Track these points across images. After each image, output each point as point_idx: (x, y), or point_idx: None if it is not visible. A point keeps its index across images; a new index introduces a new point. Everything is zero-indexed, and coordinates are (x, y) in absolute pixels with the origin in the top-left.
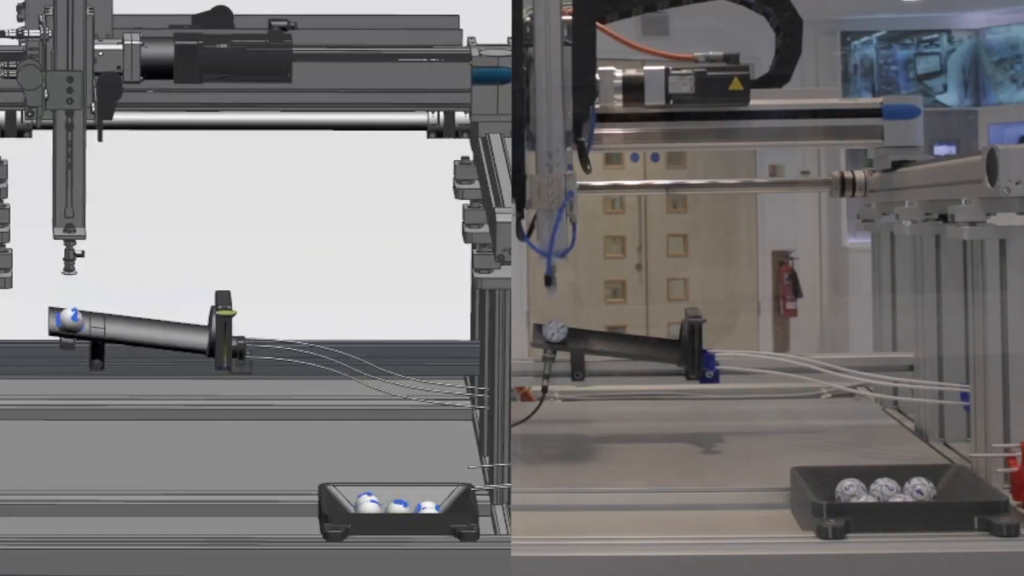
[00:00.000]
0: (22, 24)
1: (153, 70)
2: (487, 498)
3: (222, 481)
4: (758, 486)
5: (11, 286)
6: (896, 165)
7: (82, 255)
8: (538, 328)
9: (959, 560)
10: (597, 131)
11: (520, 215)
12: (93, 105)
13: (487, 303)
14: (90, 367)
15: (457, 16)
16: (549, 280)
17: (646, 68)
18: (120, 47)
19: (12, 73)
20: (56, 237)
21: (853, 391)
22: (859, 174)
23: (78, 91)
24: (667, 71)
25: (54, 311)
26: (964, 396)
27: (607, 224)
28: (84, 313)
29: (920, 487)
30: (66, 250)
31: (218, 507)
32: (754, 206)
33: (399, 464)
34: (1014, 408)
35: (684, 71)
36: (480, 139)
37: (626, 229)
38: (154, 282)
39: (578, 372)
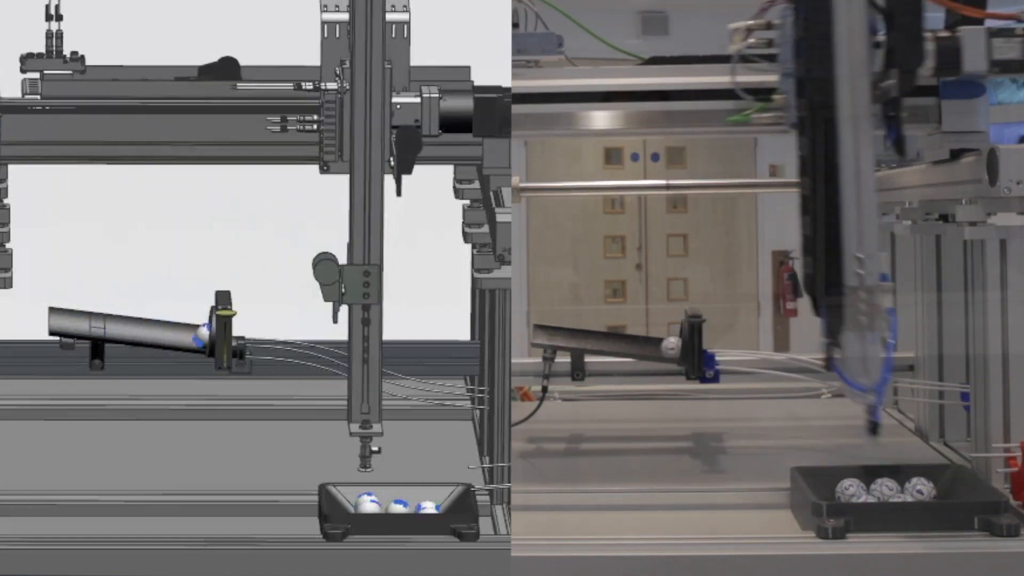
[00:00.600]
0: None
1: (451, 123)
2: (487, 498)
3: (222, 481)
4: (758, 486)
5: (11, 286)
6: (955, 155)
7: (378, 451)
8: (538, 328)
9: (959, 560)
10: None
11: (832, 342)
12: (392, 160)
13: (487, 303)
14: (90, 367)
15: (468, 68)
16: (875, 428)
17: (963, 29)
18: (418, 100)
19: (307, 127)
20: (352, 434)
21: None
22: None
23: (375, 286)
24: (989, 31)
25: (55, 311)
26: (964, 396)
27: (607, 224)
28: (84, 313)
29: (920, 487)
30: (362, 447)
31: (218, 507)
32: (754, 206)
33: (399, 464)
34: (1014, 408)
35: (1017, 31)
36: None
37: (626, 229)
38: (154, 282)
39: (578, 372)
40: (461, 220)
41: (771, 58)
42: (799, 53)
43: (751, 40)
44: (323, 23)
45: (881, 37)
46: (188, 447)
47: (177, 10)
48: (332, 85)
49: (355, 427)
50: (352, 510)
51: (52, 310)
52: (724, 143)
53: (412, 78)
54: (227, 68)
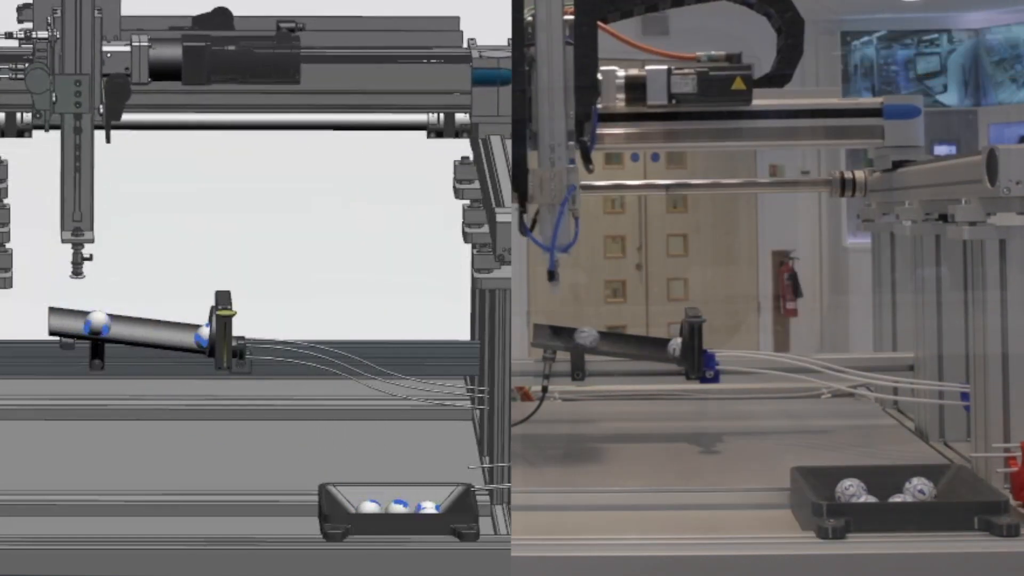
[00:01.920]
0: (28, 25)
1: (161, 72)
2: (487, 498)
3: (222, 481)
4: (758, 486)
5: (11, 286)
6: (896, 165)
7: (90, 258)
8: (538, 328)
9: (959, 560)
10: (599, 131)
11: (522, 210)
12: (101, 107)
13: (487, 303)
14: (90, 367)
15: (457, 18)
16: (552, 275)
17: (648, 68)
18: (128, 48)
19: (18, 75)
20: (64, 240)
21: (853, 391)
22: (859, 174)
23: (86, 94)
24: (670, 71)
25: (55, 311)
26: (964, 396)
27: (607, 224)
28: (84, 313)
29: (921, 487)
30: (74, 253)
31: (218, 507)
32: (754, 206)
33: (399, 464)
34: (1014, 408)
35: (686, 70)
36: (480, 140)
37: (626, 229)
38: (154, 282)
39: (578, 372)
40: (461, 220)
41: None
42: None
43: None
44: None
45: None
46: (188, 447)
47: None
48: (43, 34)
49: (67, 235)
50: (352, 510)
51: (52, 310)
52: None
53: (400, 28)
54: (221, 18)
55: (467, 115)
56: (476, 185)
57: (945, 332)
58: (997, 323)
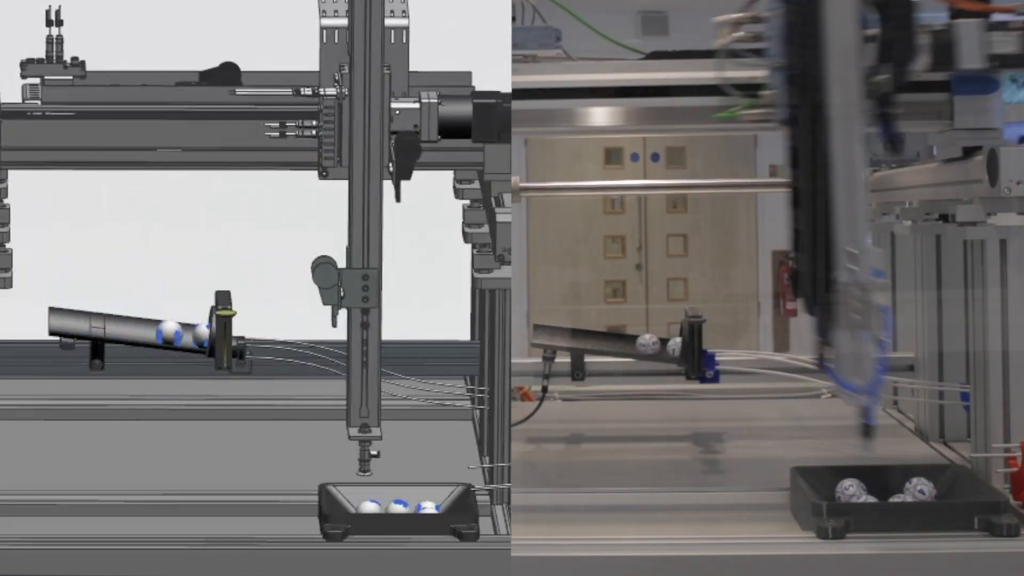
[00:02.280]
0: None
1: (450, 129)
2: (487, 498)
3: (222, 481)
4: (758, 486)
5: (11, 286)
6: (968, 153)
7: (377, 455)
8: (538, 328)
9: (959, 560)
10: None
11: (825, 342)
12: (391, 165)
13: (487, 303)
14: (90, 367)
15: (469, 73)
16: (869, 430)
17: (959, 22)
18: (417, 106)
19: (307, 132)
20: (351, 438)
21: None
22: None
23: (373, 290)
24: (986, 26)
25: (55, 311)
26: (964, 396)
27: (607, 224)
28: (84, 313)
29: (921, 487)
30: (361, 451)
31: (218, 507)
32: (754, 206)
33: (399, 464)
34: (1014, 408)
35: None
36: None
37: (626, 229)
38: (154, 282)
39: (578, 372)
40: (461, 220)
41: (759, 52)
42: (789, 47)
43: (739, 34)
44: (322, 28)
45: (874, 31)
46: (188, 447)
47: (176, 15)
48: (331, 91)
49: (354, 431)
50: (352, 510)
51: (52, 310)
52: (724, 143)
53: (412, 83)
54: (228, 73)
55: None
56: (476, 185)
57: (945, 332)
58: (997, 323)
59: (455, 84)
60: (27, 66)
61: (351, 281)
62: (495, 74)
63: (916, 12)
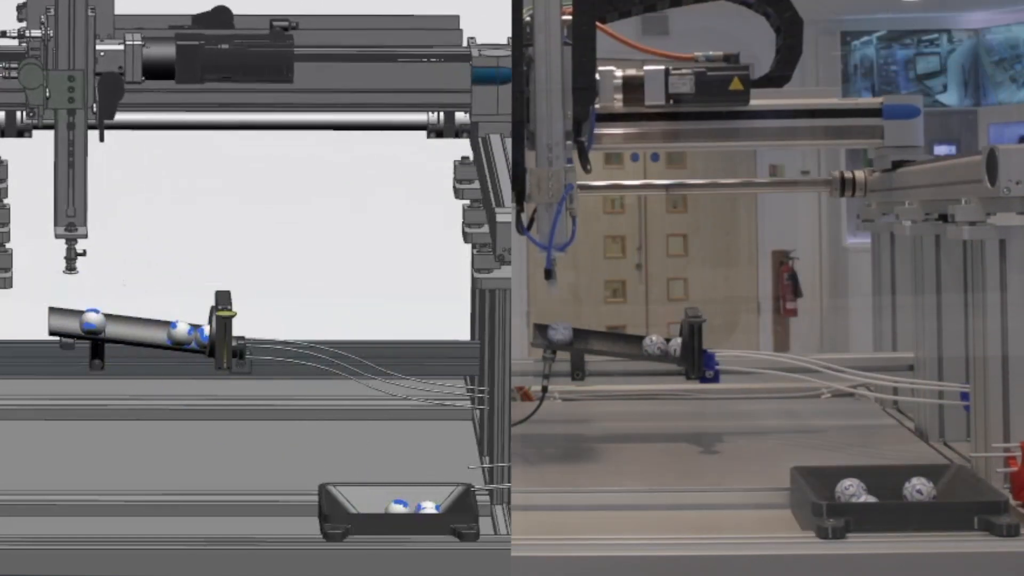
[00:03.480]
0: (23, 24)
1: (155, 70)
2: (487, 498)
3: (222, 481)
4: (758, 486)
5: (11, 286)
6: (896, 165)
7: (83, 254)
8: (538, 328)
9: (959, 560)
10: (597, 131)
11: (520, 209)
12: (95, 106)
13: (487, 303)
14: (90, 367)
15: (457, 16)
16: (549, 274)
17: (646, 68)
18: (121, 47)
19: (13, 73)
20: (58, 236)
21: (853, 391)
22: (859, 174)
23: (80, 90)
24: (667, 71)
25: (55, 311)
26: (964, 396)
27: (607, 224)
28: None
29: (920, 487)
30: (68, 249)
31: (218, 507)
32: (754, 206)
33: (399, 464)
34: (1014, 408)
35: (684, 71)
36: (480, 139)
37: (626, 229)
38: (154, 282)
39: (578, 372)
40: (461, 220)
41: None
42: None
43: None
44: None
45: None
46: (188, 447)
47: None
48: (37, 32)
49: (60, 230)
50: (353, 510)
51: (52, 310)
52: None
53: (398, 26)
54: (221, 16)
55: (467, 114)
56: (476, 185)
57: (945, 332)
58: (997, 323)
59: (442, 28)
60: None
61: (57, 82)
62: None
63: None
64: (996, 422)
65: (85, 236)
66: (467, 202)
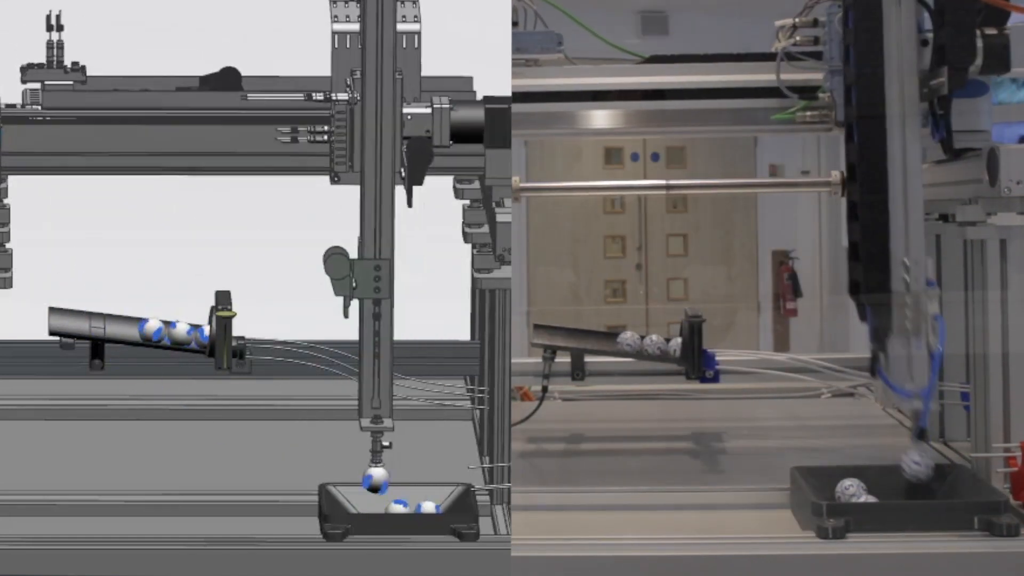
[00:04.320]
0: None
1: (462, 134)
2: (487, 498)
3: (222, 481)
4: (758, 486)
5: (11, 286)
6: (958, 154)
7: (389, 446)
8: (538, 328)
9: (959, 560)
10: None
11: (880, 349)
12: (403, 171)
13: (487, 303)
14: (90, 367)
15: (471, 78)
16: (923, 434)
17: (1013, 26)
18: (429, 111)
19: (319, 137)
20: (363, 429)
21: (853, 391)
22: None
23: (385, 279)
24: None
25: (55, 311)
26: (964, 396)
27: (607, 224)
28: (84, 313)
29: (916, 459)
30: (373, 442)
31: (218, 507)
32: (754, 206)
33: (399, 464)
34: (1014, 408)
35: None
36: None
37: (626, 229)
38: (154, 282)
39: (578, 372)
40: (461, 220)
41: (817, 56)
42: (847, 52)
43: (796, 38)
44: (334, 34)
45: (929, 35)
46: (188, 447)
47: (180, 20)
48: (343, 96)
49: (366, 422)
50: (353, 510)
51: (52, 310)
52: (724, 143)
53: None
54: (228, 78)
55: None
56: (476, 185)
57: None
58: (997, 323)
59: (456, 89)
60: (28, 71)
61: (364, 272)
62: (495, 76)
63: (975, 15)
64: (996, 422)
65: (391, 429)
66: (467, 202)
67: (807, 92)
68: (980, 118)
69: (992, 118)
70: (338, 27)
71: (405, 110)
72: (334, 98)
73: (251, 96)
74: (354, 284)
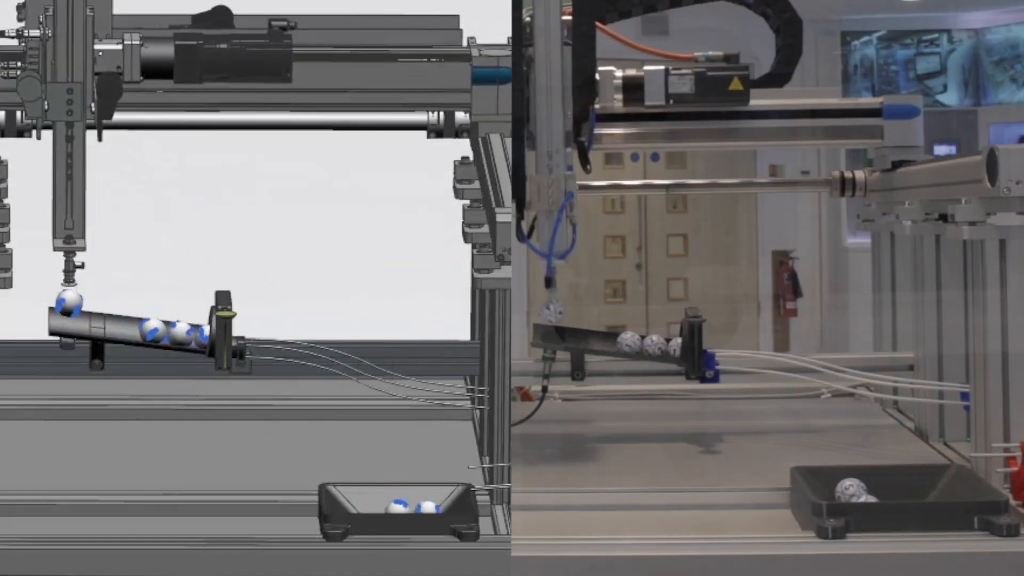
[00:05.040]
0: (22, 24)
1: (153, 70)
2: (487, 498)
3: (222, 481)
4: (758, 486)
5: (11, 286)
6: (896, 165)
7: (82, 266)
8: (538, 328)
9: (959, 560)
10: (596, 131)
11: (520, 216)
12: (93, 105)
13: (487, 303)
14: (90, 367)
15: (457, 16)
16: (549, 282)
17: (646, 68)
18: (120, 47)
19: (12, 74)
20: (56, 248)
21: (853, 391)
22: (859, 174)
23: (78, 102)
24: (667, 71)
25: (55, 311)
26: (964, 396)
27: (607, 224)
28: (84, 313)
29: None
30: (66, 261)
31: (218, 507)
32: (754, 206)
33: (399, 464)
34: (1014, 408)
35: (684, 71)
36: (480, 139)
37: (626, 229)
38: (154, 282)
39: (578, 372)
40: (461, 220)
41: None
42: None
43: None
44: None
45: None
46: (188, 447)
47: None
48: (36, 32)
49: (59, 243)
50: (353, 510)
51: (52, 310)
52: None
53: (398, 26)
54: (221, 16)
55: (467, 114)
56: (476, 185)
57: (945, 332)
58: (997, 323)
59: (442, 27)
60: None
61: (56, 94)
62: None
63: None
64: (996, 422)
65: (84, 248)
66: (467, 202)
67: None
68: (914, 135)
69: (922, 135)
70: None
71: (96, 46)
72: (27, 34)
73: None
74: (46, 107)
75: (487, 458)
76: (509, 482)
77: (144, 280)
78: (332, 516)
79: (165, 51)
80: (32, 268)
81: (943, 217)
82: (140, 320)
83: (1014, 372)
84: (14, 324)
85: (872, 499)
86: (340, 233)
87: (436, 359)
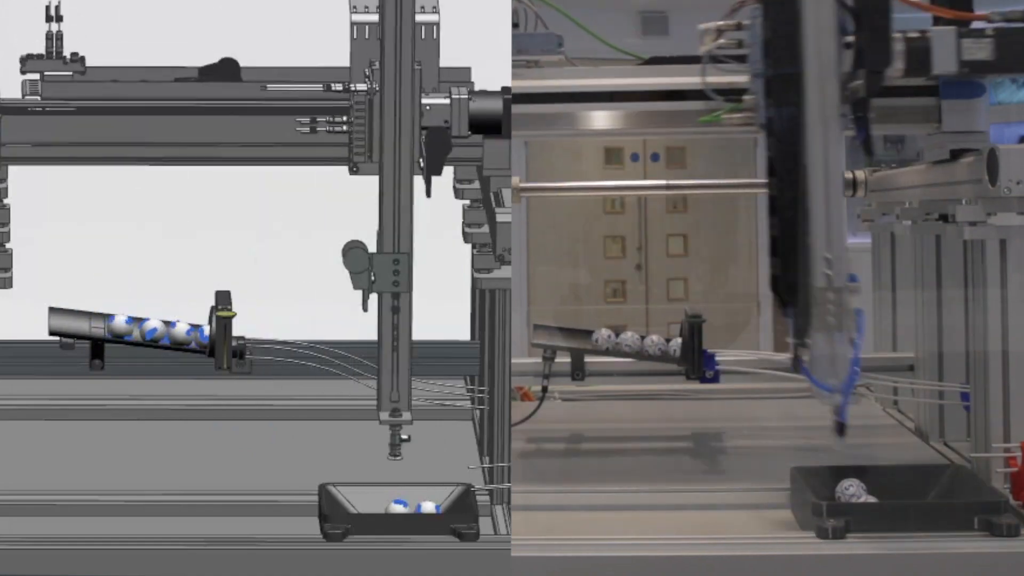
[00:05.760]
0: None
1: (480, 124)
2: (487, 498)
3: (222, 481)
4: (758, 486)
5: (11, 286)
6: (955, 155)
7: (408, 439)
8: (538, 328)
9: (959, 560)
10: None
11: (800, 343)
12: (422, 160)
13: (487, 303)
14: (90, 367)
15: (468, 69)
16: (842, 428)
17: (933, 29)
18: (447, 101)
19: (338, 128)
20: (382, 422)
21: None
22: (859, 174)
23: (404, 272)
24: (959, 31)
25: (55, 311)
26: (964, 396)
27: (607, 224)
28: (84, 313)
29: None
30: (392, 435)
31: (218, 507)
32: (754, 206)
33: (399, 464)
34: (1014, 408)
35: (985, 30)
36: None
37: (626, 229)
38: (154, 282)
39: (578, 372)
40: (461, 220)
41: (741, 59)
42: (768, 53)
43: (721, 40)
44: (352, 24)
45: (851, 37)
46: (188, 447)
47: (185, 11)
48: (362, 86)
49: (385, 415)
50: (353, 510)
51: (52, 310)
52: (724, 144)
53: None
54: (227, 69)
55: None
56: (476, 185)
57: (945, 332)
58: (997, 323)
59: (455, 81)
60: (27, 61)
61: (382, 265)
62: (494, 70)
63: (891, 19)
64: (996, 422)
65: (410, 422)
66: (467, 202)
67: (733, 95)
68: (976, 119)
69: (988, 119)
70: (357, 17)
71: (424, 100)
72: (353, 88)
73: (271, 86)
74: (373, 278)
75: (487, 458)
76: (509, 482)
77: (144, 280)
78: (332, 516)
79: (493, 105)
80: (32, 268)
81: (943, 217)
82: (140, 320)
83: (1014, 372)
84: (14, 324)
85: (872, 499)
86: (340, 233)
87: (436, 359)
